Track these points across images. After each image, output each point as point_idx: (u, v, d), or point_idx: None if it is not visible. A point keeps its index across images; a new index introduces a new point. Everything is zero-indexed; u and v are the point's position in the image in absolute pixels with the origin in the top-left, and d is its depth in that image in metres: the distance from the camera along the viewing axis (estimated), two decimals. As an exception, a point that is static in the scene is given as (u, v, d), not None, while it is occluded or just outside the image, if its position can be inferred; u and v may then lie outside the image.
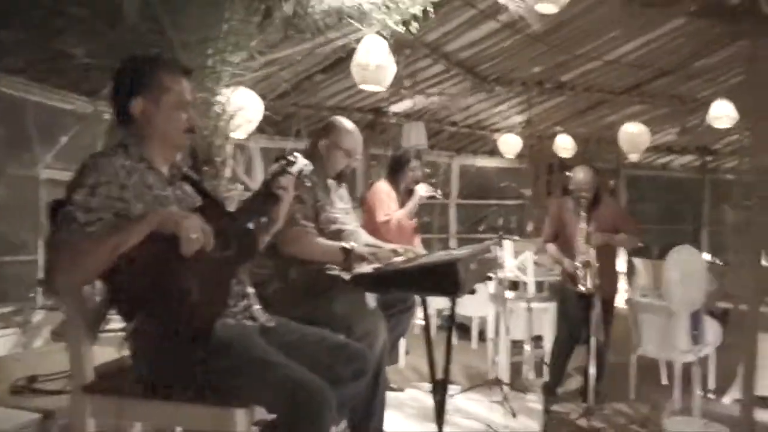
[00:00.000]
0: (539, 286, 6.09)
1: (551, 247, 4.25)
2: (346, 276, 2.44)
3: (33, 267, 4.20)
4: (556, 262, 4.36)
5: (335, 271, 2.54)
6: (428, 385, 2.10)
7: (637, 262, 7.26)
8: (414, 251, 2.65)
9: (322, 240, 2.53)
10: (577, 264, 3.84)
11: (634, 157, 7.13)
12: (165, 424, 2.09)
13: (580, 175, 4.05)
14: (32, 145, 4.23)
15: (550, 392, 4.13)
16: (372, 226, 3.71)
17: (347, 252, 2.43)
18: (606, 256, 4.03)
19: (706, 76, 6.75)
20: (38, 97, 4.11)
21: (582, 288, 3.79)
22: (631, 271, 7.27)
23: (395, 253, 2.51)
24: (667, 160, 9.79)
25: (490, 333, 4.66)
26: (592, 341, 3.75)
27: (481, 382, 4.08)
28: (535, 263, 5.58)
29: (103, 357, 1.79)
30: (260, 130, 3.48)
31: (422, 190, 3.97)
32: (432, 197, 4.03)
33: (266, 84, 4.19)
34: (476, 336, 5.64)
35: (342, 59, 4.95)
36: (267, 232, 2.02)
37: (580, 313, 3.91)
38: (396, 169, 4.15)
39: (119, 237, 1.58)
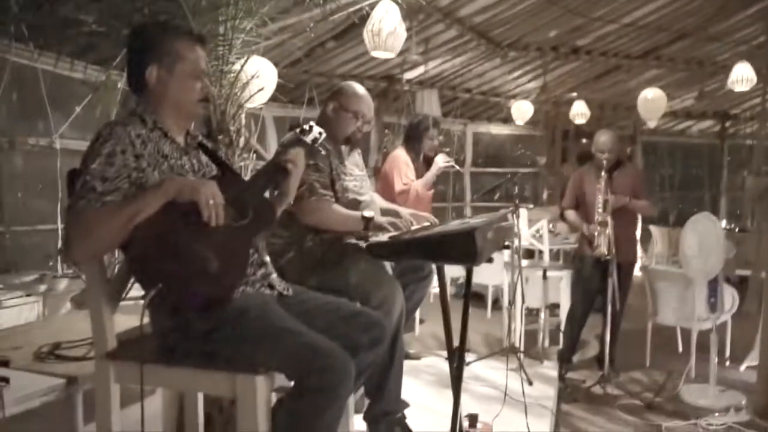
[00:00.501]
0: (554, 254, 6.08)
1: (571, 213, 4.19)
2: (363, 244, 2.43)
3: (53, 236, 4.25)
4: (574, 228, 4.33)
5: (351, 240, 2.54)
6: (445, 353, 2.11)
7: (653, 229, 7.21)
8: (431, 220, 2.64)
9: (341, 209, 2.51)
10: (595, 228, 3.82)
11: (651, 124, 7.02)
12: (187, 390, 2.12)
13: (603, 137, 4.02)
14: (47, 114, 4.23)
15: (565, 360, 4.14)
16: (389, 194, 3.67)
17: (367, 221, 2.42)
18: (626, 223, 4.01)
19: (725, 39, 6.60)
20: (50, 66, 4.09)
21: (599, 252, 3.77)
22: (646, 239, 7.23)
23: (414, 219, 2.50)
24: (685, 126, 9.64)
25: (505, 301, 4.66)
26: (609, 308, 3.74)
27: (497, 350, 4.09)
28: (550, 231, 5.56)
29: (126, 324, 1.80)
30: (273, 98, 3.46)
31: (441, 160, 3.91)
32: (450, 167, 3.97)
33: (279, 51, 4.15)
34: (491, 304, 5.65)
35: (354, 26, 4.89)
36: (280, 204, 2.01)
37: (596, 279, 3.90)
38: (412, 137, 4.08)
39: (137, 205, 1.58)
